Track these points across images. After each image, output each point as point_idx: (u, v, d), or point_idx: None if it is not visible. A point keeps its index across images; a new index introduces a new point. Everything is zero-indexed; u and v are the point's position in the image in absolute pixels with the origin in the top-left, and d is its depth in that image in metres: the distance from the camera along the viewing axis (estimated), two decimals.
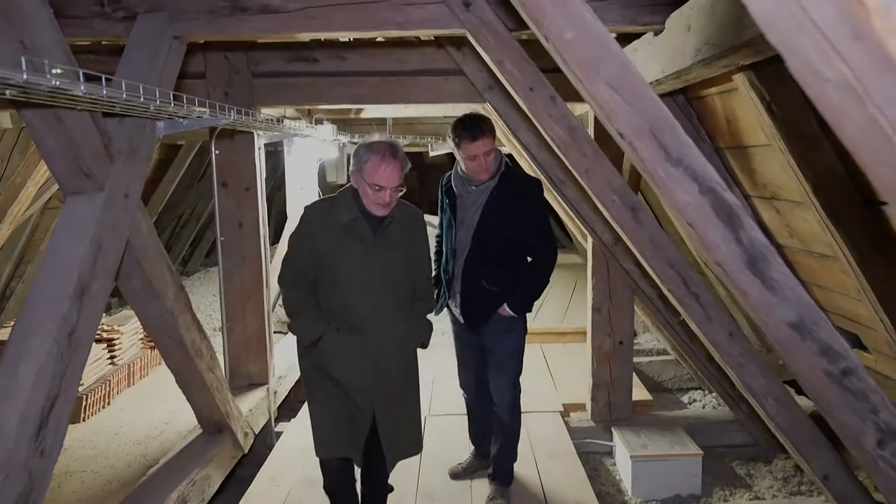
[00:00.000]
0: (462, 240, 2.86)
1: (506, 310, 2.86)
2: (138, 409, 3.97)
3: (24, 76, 1.46)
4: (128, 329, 4.56)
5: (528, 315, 3.00)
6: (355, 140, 5.69)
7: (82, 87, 1.65)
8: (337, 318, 2.39)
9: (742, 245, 1.64)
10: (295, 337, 2.53)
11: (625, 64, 1.60)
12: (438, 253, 3.02)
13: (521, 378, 3.04)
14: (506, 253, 2.85)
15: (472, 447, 3.35)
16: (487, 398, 3.07)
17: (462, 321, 2.97)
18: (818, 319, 1.67)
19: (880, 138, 0.59)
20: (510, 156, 3.49)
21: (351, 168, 2.35)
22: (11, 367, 1.86)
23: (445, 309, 3.05)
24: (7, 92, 1.53)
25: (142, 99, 1.94)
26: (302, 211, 2.44)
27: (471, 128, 2.69)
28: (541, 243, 2.88)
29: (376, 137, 2.40)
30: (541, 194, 2.92)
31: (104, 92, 1.76)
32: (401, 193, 2.34)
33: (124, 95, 1.85)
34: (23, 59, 1.47)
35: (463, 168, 2.82)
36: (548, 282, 2.92)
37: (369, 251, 2.32)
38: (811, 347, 1.68)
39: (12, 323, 4.76)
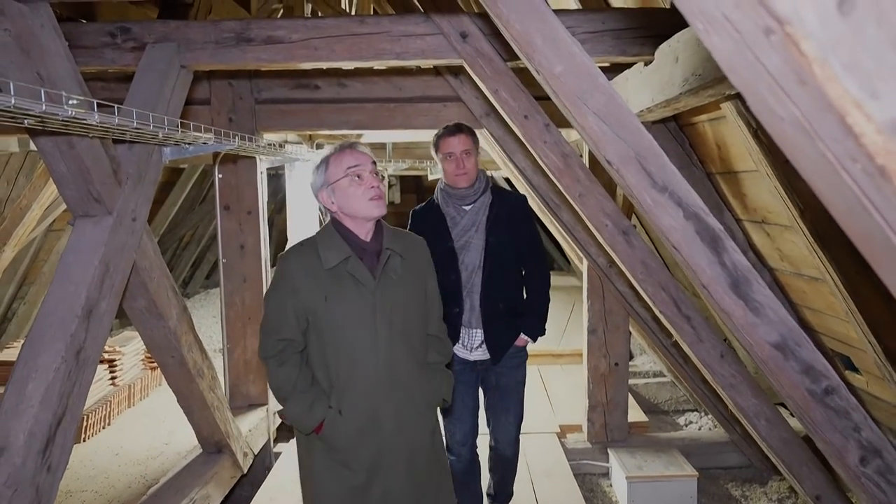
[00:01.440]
0: (470, 264, 2.61)
1: (524, 338, 2.70)
2: (138, 429, 4.00)
3: (43, 107, 1.54)
4: (129, 350, 4.59)
5: None
6: None
7: (96, 117, 1.73)
8: (339, 392, 1.88)
9: (726, 268, 1.71)
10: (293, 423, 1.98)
11: (611, 95, 1.69)
12: None
13: None
14: (513, 272, 2.70)
15: None
16: (476, 455, 2.86)
17: (473, 360, 2.70)
18: (800, 339, 1.73)
19: (830, 171, 0.63)
20: (507, 179, 3.56)
21: (317, 191, 1.93)
22: (20, 385, 1.92)
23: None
24: (26, 121, 1.61)
25: (151, 127, 2.03)
26: (277, 262, 1.96)
27: (449, 126, 2.58)
28: (539, 259, 2.75)
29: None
30: (530, 208, 2.79)
31: (116, 121, 1.84)
32: (382, 179, 1.96)
33: (135, 124, 1.93)
34: (42, 91, 1.55)
35: (444, 180, 2.63)
36: (549, 298, 2.80)
37: (371, 296, 1.85)
38: (794, 367, 1.74)
39: (15, 344, 4.81)
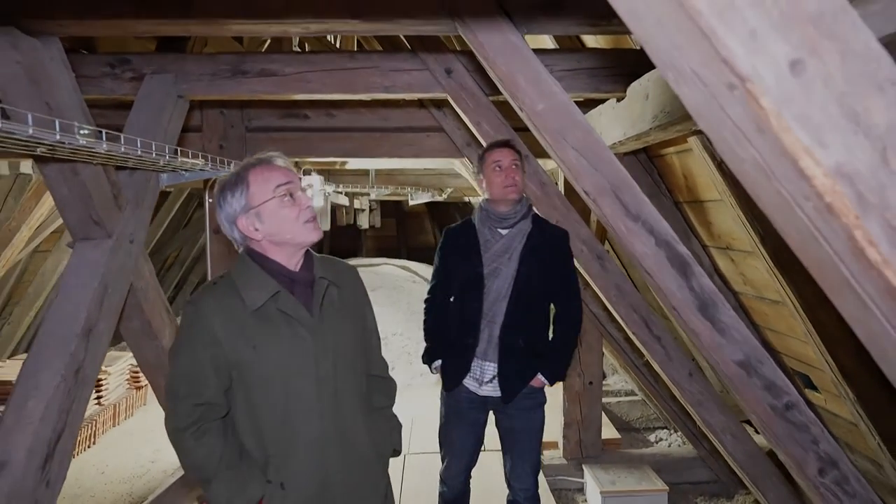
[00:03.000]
0: (496, 292, 2.41)
1: (540, 380, 2.46)
2: (124, 448, 4.01)
3: (57, 136, 1.64)
4: (115, 369, 4.61)
5: None
6: (340, 189, 5.90)
7: (104, 146, 1.83)
8: (277, 462, 1.53)
9: (694, 292, 1.86)
10: None
11: (589, 131, 1.84)
12: (430, 302, 2.62)
13: None
14: (539, 309, 2.50)
15: None
16: (468, 486, 2.71)
17: (483, 396, 2.49)
18: (762, 358, 1.88)
19: (786, 209, 0.69)
20: None
21: (234, 218, 1.59)
22: (21, 402, 1.98)
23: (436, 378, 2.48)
24: (38, 149, 1.71)
25: (153, 154, 2.13)
26: (185, 310, 1.59)
27: (497, 140, 2.48)
28: (572, 299, 2.52)
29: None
30: (569, 245, 2.56)
31: (122, 149, 1.94)
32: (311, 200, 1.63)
33: (139, 152, 2.03)
34: (56, 122, 1.65)
35: (490, 194, 2.42)
36: (577, 343, 2.57)
37: (309, 337, 1.54)
38: (756, 383, 1.88)
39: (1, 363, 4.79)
